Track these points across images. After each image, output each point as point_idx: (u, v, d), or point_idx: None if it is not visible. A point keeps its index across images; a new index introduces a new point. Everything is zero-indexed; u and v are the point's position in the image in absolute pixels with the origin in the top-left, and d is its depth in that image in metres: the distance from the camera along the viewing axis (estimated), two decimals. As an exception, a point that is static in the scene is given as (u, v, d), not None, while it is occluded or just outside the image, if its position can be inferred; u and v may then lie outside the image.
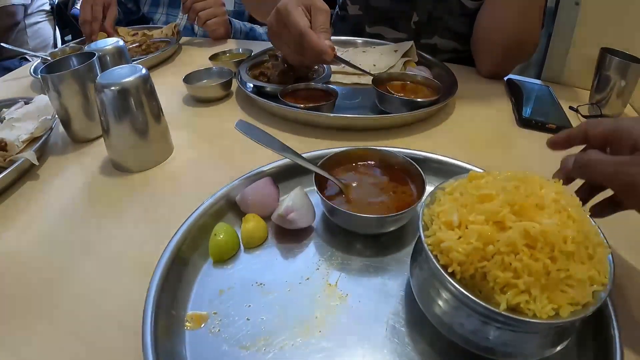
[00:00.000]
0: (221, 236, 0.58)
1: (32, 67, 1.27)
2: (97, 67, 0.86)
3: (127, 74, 0.74)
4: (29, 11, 2.32)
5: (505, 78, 1.12)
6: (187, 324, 0.51)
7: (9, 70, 2.21)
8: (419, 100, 0.89)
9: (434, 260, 0.41)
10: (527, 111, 0.94)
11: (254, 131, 0.64)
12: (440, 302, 0.44)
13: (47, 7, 2.39)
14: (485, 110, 0.98)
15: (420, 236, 0.44)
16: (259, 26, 1.64)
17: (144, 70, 0.76)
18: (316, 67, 1.05)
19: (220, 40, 1.46)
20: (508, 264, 0.38)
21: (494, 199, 0.41)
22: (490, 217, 0.40)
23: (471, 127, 0.91)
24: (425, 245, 0.42)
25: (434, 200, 0.47)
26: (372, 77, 0.96)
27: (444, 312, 0.44)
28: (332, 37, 1.23)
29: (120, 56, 0.99)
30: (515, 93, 1.03)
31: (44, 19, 2.35)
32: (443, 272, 0.40)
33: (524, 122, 0.92)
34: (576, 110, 0.97)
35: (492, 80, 1.12)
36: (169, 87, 1.06)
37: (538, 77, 1.19)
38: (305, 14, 0.88)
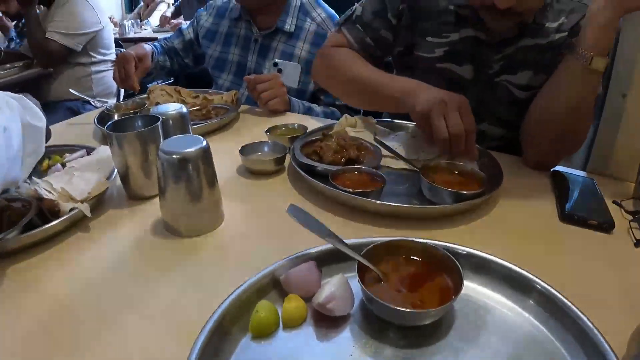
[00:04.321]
0: (263, 313, 0.60)
1: (96, 117, 1.36)
2: (160, 131, 0.92)
3: (189, 144, 0.80)
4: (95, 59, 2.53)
5: (551, 170, 1.13)
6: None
7: (72, 110, 2.41)
8: (463, 192, 0.91)
9: None
10: (569, 205, 0.94)
11: (304, 216, 0.67)
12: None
13: (113, 57, 2.58)
14: (528, 203, 0.98)
15: None
16: (316, 105, 1.67)
17: (204, 142, 0.81)
18: (370, 148, 1.09)
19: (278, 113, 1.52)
20: None
21: None
22: None
23: (513, 221, 0.91)
24: None
25: None
26: (420, 165, 0.99)
27: None
28: (383, 119, 1.29)
29: (182, 121, 1.05)
30: (560, 186, 1.03)
31: (109, 68, 2.53)
32: None
33: (566, 217, 0.92)
34: (620, 205, 0.97)
35: (537, 171, 1.13)
36: (224, 155, 1.10)
37: (584, 162, 1.18)
38: None
